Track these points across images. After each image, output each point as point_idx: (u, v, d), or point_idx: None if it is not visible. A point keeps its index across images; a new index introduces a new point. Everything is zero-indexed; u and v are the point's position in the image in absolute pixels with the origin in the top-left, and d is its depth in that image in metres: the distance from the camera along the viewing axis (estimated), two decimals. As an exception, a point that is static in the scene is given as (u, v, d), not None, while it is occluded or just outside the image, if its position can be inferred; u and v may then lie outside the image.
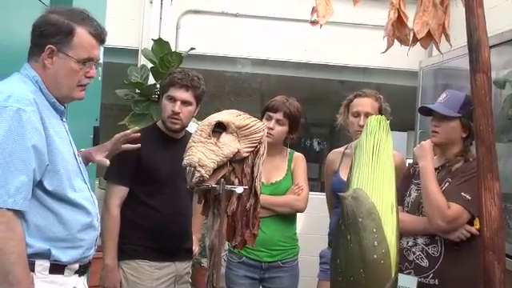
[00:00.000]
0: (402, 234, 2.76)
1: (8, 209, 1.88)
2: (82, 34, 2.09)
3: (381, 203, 2.00)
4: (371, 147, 2.09)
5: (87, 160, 2.47)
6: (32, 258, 1.98)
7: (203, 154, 2.19)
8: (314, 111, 8.01)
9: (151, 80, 5.23)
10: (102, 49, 2.33)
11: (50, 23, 2.08)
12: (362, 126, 3.30)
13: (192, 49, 5.30)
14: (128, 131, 2.68)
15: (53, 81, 2.09)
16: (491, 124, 2.19)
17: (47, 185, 2.00)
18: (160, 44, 5.15)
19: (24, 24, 2.18)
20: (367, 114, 3.33)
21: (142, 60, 5.60)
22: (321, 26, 2.68)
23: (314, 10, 2.61)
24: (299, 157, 3.47)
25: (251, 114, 2.42)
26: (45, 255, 2.01)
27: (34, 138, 1.93)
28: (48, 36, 2.06)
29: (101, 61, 2.41)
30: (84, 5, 2.68)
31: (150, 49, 5.22)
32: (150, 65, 5.24)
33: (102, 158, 2.56)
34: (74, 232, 2.07)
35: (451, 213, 2.66)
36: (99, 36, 2.16)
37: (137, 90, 5.11)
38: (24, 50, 2.15)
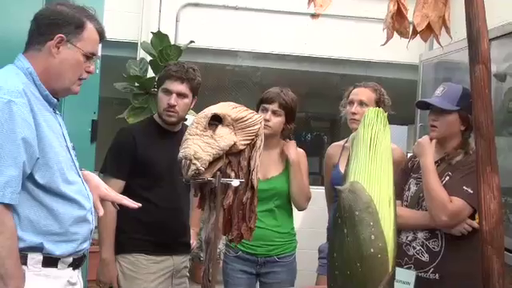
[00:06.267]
0: (402, 228, 2.74)
1: None
2: (90, 28, 2.14)
3: (378, 196, 1.96)
4: (368, 139, 2.05)
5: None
6: (24, 251, 1.96)
7: (199, 146, 2.16)
8: (315, 105, 8.00)
9: (150, 73, 5.21)
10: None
11: (62, 14, 2.10)
12: (354, 114, 3.29)
13: (191, 42, 5.27)
14: (129, 204, 2.38)
15: (55, 71, 2.08)
16: (490, 116, 2.15)
17: (39, 178, 1.98)
18: (159, 37, 5.13)
19: (22, 18, 2.17)
20: (360, 103, 3.32)
21: (141, 53, 5.58)
22: (318, 16, 2.64)
23: (310, 0, 2.57)
24: (300, 153, 3.43)
25: (251, 108, 2.39)
26: (37, 249, 2.00)
27: (24, 130, 1.91)
28: (59, 26, 2.08)
29: (99, 54, 2.42)
30: (83, -3, 2.65)
31: (149, 42, 5.20)
32: (149, 58, 5.22)
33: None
34: (66, 226, 2.05)
35: (453, 207, 2.63)
36: (102, 34, 2.21)
37: (136, 84, 5.10)
38: (22, 44, 2.14)
